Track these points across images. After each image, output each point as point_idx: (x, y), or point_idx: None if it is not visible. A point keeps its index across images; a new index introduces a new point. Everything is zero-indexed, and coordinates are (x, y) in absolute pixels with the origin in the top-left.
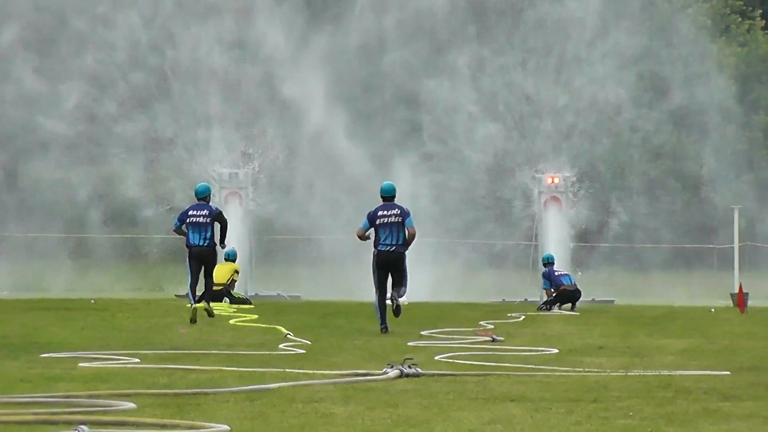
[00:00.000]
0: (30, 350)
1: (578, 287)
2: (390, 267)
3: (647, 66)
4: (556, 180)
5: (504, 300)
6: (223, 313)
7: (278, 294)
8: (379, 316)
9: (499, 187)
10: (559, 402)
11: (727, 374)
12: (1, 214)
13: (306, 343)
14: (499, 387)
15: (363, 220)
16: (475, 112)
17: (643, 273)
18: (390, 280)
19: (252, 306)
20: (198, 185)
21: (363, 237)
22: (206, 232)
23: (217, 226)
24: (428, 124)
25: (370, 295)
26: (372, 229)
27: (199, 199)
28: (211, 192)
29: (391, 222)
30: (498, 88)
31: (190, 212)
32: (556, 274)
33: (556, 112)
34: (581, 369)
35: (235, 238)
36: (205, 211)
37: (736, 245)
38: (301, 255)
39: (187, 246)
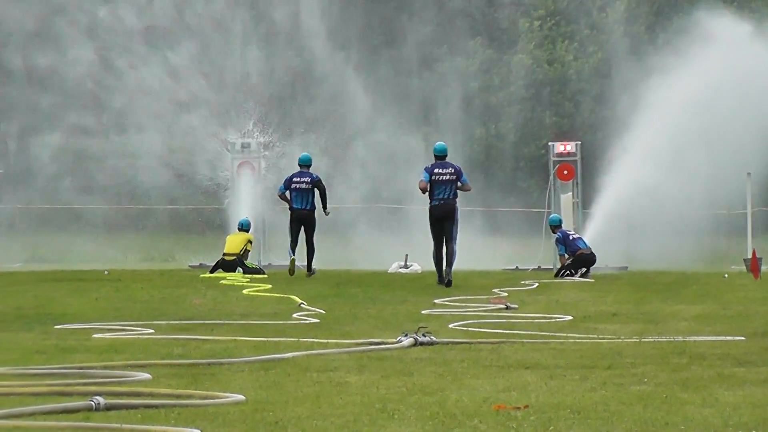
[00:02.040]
0: (44, 322)
1: (593, 251)
2: (443, 219)
3: None
4: (569, 147)
5: (517, 267)
6: (236, 283)
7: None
8: (437, 269)
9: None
10: (574, 369)
11: (742, 340)
12: (12, 186)
13: (320, 313)
14: (513, 354)
15: (423, 174)
16: None
17: (654, 239)
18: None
19: (266, 276)
20: (301, 154)
21: (425, 189)
22: (308, 197)
23: (317, 193)
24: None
25: (383, 264)
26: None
27: (301, 167)
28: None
29: (445, 180)
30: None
31: (294, 179)
32: (571, 238)
33: None
34: (595, 336)
35: (248, 208)
36: (307, 177)
37: (749, 211)
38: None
39: (291, 210)
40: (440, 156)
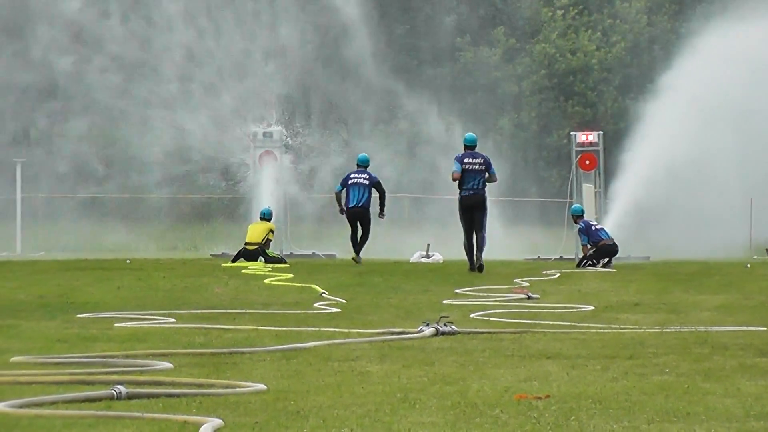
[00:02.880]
0: (66, 310)
1: (615, 242)
2: (473, 209)
3: None
4: (591, 137)
5: (539, 257)
6: (258, 273)
7: (313, 253)
8: (468, 257)
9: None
10: (595, 359)
11: (764, 330)
12: (33, 175)
13: (341, 302)
14: (534, 344)
15: (455, 164)
16: None
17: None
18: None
19: (287, 265)
20: (360, 155)
21: (458, 179)
22: (364, 194)
23: (373, 192)
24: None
25: (403, 254)
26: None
27: (359, 167)
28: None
29: (475, 170)
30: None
31: (352, 175)
32: (594, 229)
33: None
34: (617, 326)
35: (270, 198)
36: (366, 175)
37: None
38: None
39: (343, 210)
40: (470, 146)
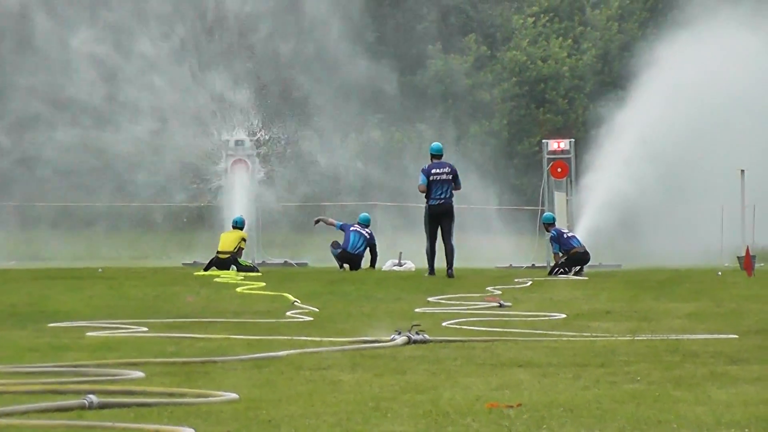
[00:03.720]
0: (38, 319)
1: (587, 250)
2: (441, 218)
3: None
4: (563, 145)
5: (511, 265)
6: (230, 281)
7: (285, 261)
8: (429, 263)
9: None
10: (567, 367)
11: (735, 337)
12: (5, 183)
13: (313, 311)
14: (506, 353)
15: (420, 177)
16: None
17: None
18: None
19: (259, 274)
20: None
21: (424, 191)
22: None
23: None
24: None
25: (377, 261)
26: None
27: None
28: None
29: (442, 179)
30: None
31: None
32: (566, 236)
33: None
34: (588, 334)
35: (242, 206)
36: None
37: (742, 208)
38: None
39: (342, 247)
40: (437, 155)
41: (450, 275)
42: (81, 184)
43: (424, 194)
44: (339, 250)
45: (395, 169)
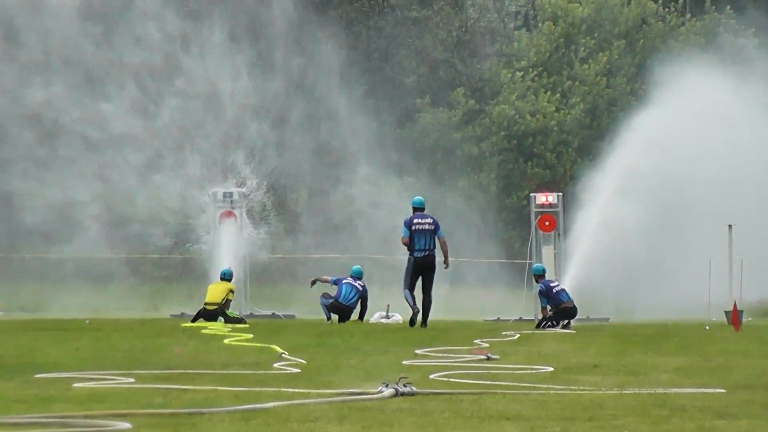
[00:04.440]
0: (25, 371)
1: (575, 304)
2: (424, 270)
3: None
4: (550, 198)
5: (498, 318)
6: (217, 333)
7: (273, 313)
8: (411, 303)
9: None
10: (555, 420)
11: (723, 392)
12: None
13: (301, 363)
14: (494, 405)
15: (403, 230)
16: None
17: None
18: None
19: (247, 325)
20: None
21: (407, 242)
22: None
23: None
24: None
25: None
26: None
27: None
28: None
29: (425, 230)
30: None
31: (415, 220)
32: (555, 291)
33: None
34: (576, 387)
35: (230, 258)
36: (429, 219)
37: (730, 263)
38: (296, 274)
39: (412, 255)
40: (419, 208)
41: (424, 325)
42: (68, 235)
43: (407, 246)
44: (330, 300)
45: (383, 222)
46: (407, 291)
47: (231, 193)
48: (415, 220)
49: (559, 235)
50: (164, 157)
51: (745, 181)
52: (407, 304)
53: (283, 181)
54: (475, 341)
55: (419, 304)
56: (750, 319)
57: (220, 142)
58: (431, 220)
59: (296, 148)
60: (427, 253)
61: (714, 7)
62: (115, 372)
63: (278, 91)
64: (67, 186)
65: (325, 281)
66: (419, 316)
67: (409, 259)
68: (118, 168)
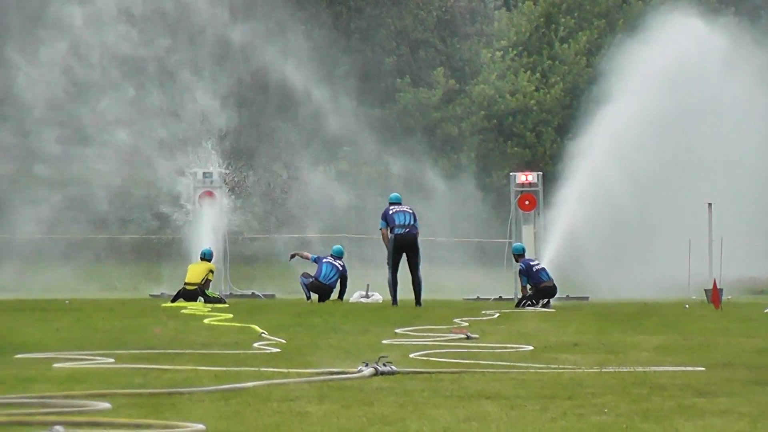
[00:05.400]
0: (4, 351)
1: (555, 283)
2: (406, 249)
3: None
4: (530, 178)
5: (478, 297)
6: (197, 313)
7: (253, 293)
8: (392, 293)
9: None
10: (534, 399)
11: (702, 370)
12: None
13: (281, 342)
14: (474, 384)
15: (380, 222)
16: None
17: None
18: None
19: (227, 305)
20: (335, 247)
21: (386, 233)
22: (334, 276)
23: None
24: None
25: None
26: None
27: (333, 257)
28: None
29: (404, 210)
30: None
31: (391, 207)
32: (535, 270)
33: None
34: (556, 366)
35: (209, 238)
36: (340, 263)
37: (710, 241)
38: (276, 254)
39: (393, 236)
40: (397, 203)
41: (418, 305)
42: (48, 216)
43: (387, 237)
44: (310, 280)
45: (363, 201)
46: (390, 274)
47: (211, 173)
48: (392, 208)
49: (538, 214)
50: (142, 136)
51: (725, 159)
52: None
53: (263, 161)
54: (455, 320)
55: (409, 285)
56: (730, 297)
57: (195, 123)
58: (408, 207)
59: (275, 129)
60: (407, 229)
61: None
62: (95, 352)
63: (256, 70)
64: (45, 166)
65: (305, 257)
66: (413, 296)
67: (390, 239)
68: (95, 148)
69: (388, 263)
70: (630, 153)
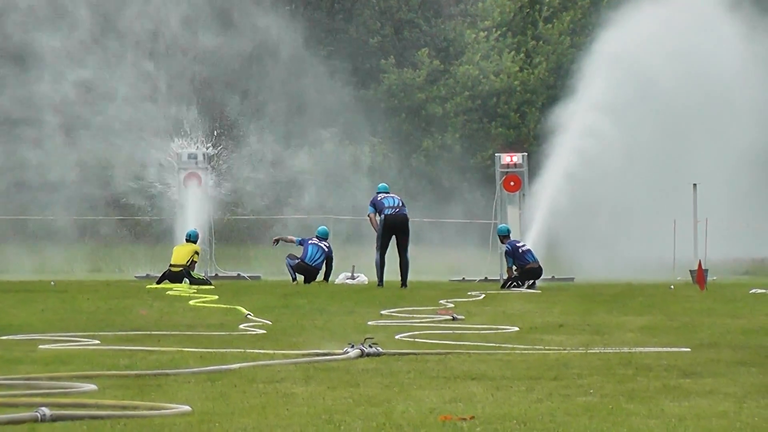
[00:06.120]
0: None
1: (540, 264)
2: (396, 230)
3: None
4: (515, 158)
5: (464, 279)
6: (183, 294)
7: (238, 275)
8: (379, 274)
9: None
10: (520, 380)
11: (687, 351)
12: None
13: (266, 324)
14: (459, 365)
15: (369, 208)
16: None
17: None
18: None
19: (212, 287)
20: (320, 228)
21: (374, 218)
22: (320, 258)
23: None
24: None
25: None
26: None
27: (318, 238)
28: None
29: (392, 196)
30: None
31: (313, 239)
32: (521, 251)
33: None
34: (542, 347)
35: (195, 219)
36: (326, 244)
37: (694, 222)
38: (262, 235)
39: (301, 258)
40: (384, 192)
41: (404, 286)
42: (33, 197)
43: (375, 222)
44: (296, 261)
45: (348, 183)
46: (378, 255)
47: (195, 155)
48: (380, 195)
49: (523, 195)
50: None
51: (710, 140)
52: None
53: (248, 141)
54: (441, 301)
55: (396, 266)
56: (715, 278)
57: (178, 102)
58: (397, 196)
59: (260, 109)
60: (397, 210)
61: None
62: (81, 333)
63: (241, 51)
64: (26, 148)
65: (290, 241)
66: (398, 278)
67: (379, 220)
68: (78, 129)
69: (376, 246)
70: (614, 133)
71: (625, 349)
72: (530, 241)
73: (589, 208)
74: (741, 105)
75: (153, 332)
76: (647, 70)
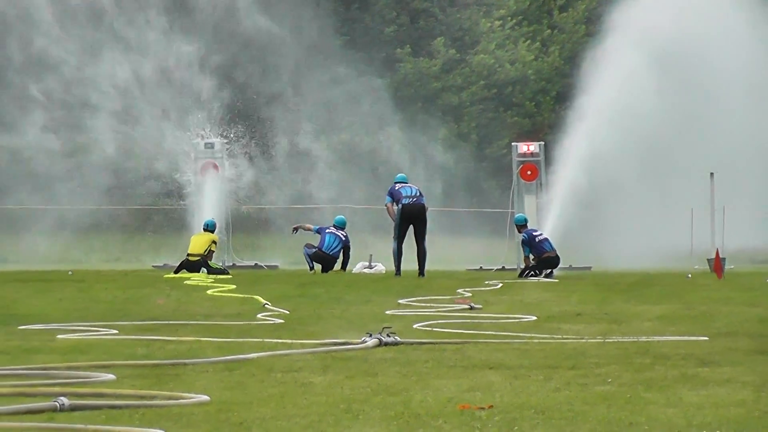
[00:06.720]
0: (8, 322)
1: (557, 253)
2: (413, 219)
3: None
4: (532, 148)
5: (481, 268)
6: (200, 284)
7: (256, 264)
8: (396, 264)
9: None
10: (538, 369)
11: (705, 340)
12: None
13: (284, 313)
14: (477, 354)
15: (386, 198)
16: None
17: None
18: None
19: (230, 276)
20: (337, 217)
21: (391, 207)
22: (337, 246)
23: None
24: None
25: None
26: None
27: (336, 227)
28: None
29: (410, 185)
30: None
31: (331, 228)
32: (537, 240)
33: None
34: (559, 336)
35: (212, 209)
36: (343, 233)
37: (712, 211)
38: (279, 225)
39: (318, 247)
40: (402, 182)
41: (421, 275)
42: (50, 186)
43: (392, 212)
44: (314, 250)
45: (365, 172)
46: (396, 244)
47: (213, 144)
48: (399, 186)
49: (540, 184)
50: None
51: (728, 128)
52: (393, 259)
53: (264, 130)
54: (458, 290)
55: (413, 256)
56: (732, 266)
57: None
58: (416, 187)
59: (276, 99)
60: (415, 199)
61: None
62: (98, 323)
63: (256, 40)
64: (43, 138)
65: (308, 229)
66: (416, 267)
67: (397, 210)
68: (96, 119)
69: (394, 236)
70: (631, 122)
71: (643, 338)
72: (547, 230)
73: (607, 197)
74: (760, 92)
75: (171, 322)
76: (666, 56)
